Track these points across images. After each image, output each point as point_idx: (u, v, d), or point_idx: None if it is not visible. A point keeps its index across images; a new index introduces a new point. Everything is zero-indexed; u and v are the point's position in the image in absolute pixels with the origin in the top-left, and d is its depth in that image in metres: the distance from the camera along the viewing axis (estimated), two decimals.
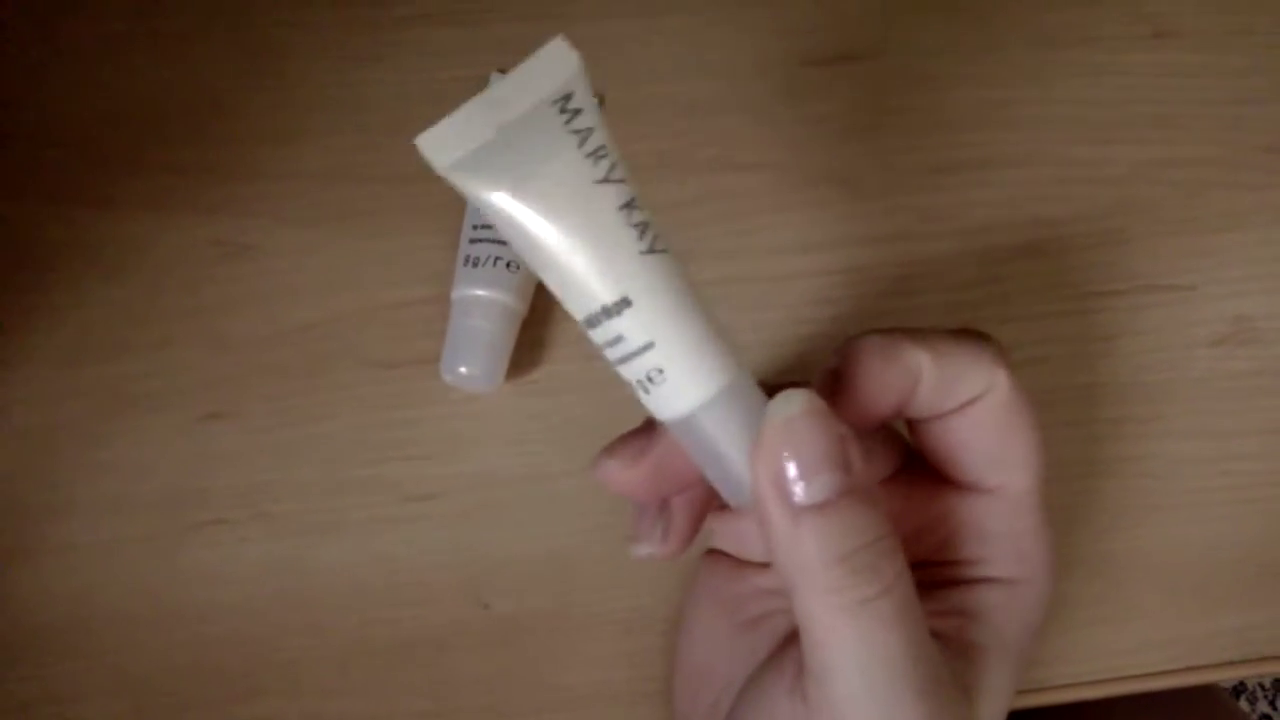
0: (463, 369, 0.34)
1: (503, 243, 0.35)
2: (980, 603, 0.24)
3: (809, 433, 0.21)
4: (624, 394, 0.36)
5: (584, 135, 0.21)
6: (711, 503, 0.26)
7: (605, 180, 0.21)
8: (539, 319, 0.37)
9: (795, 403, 0.22)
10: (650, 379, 0.22)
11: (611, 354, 0.22)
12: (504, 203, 0.21)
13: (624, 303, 0.21)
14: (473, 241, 0.36)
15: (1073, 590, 0.36)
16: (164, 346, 0.37)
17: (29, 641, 0.34)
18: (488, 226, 0.36)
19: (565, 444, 0.37)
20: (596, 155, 0.21)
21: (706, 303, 0.23)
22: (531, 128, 0.21)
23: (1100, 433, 0.38)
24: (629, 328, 0.21)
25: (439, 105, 0.38)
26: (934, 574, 0.25)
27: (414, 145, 0.21)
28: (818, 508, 0.21)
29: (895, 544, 0.22)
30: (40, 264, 0.37)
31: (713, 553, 0.30)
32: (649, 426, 0.25)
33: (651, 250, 0.22)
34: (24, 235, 0.37)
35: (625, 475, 0.25)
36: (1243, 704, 1.13)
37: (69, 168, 0.38)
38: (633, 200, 0.22)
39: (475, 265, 0.35)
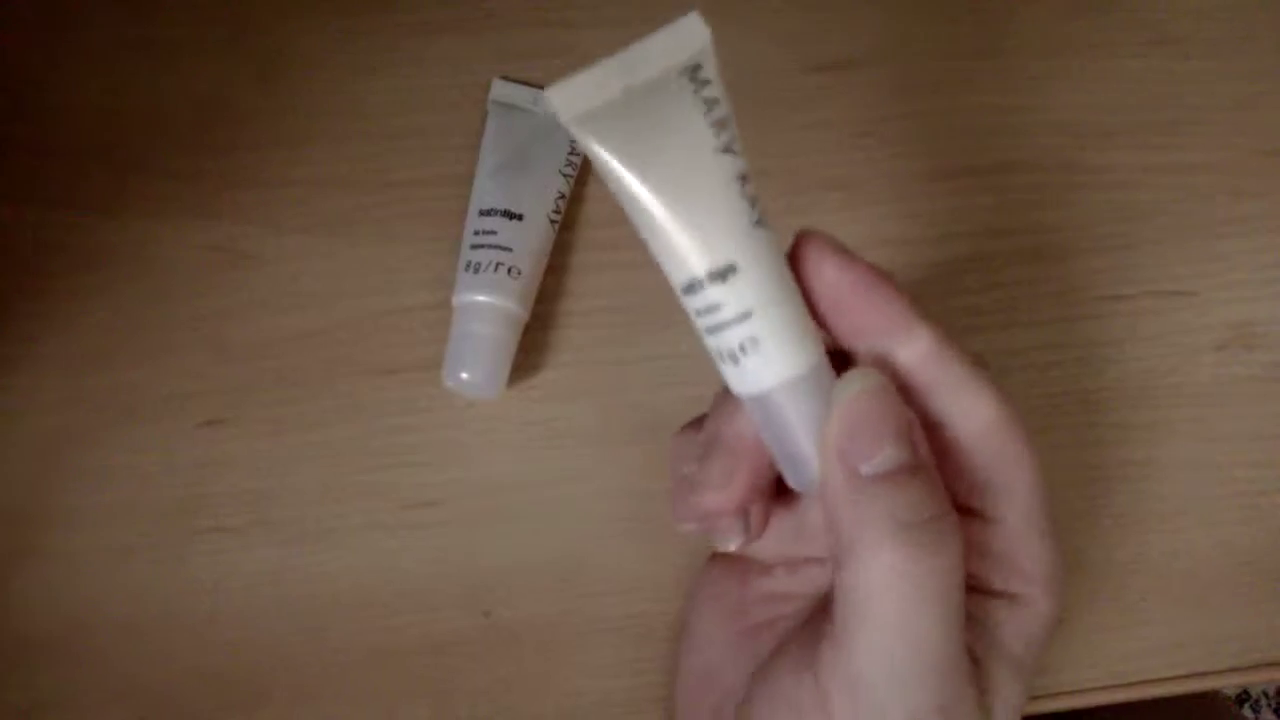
0: (464, 375, 0.34)
1: (505, 248, 0.35)
2: (985, 617, 0.24)
3: (879, 408, 0.22)
4: (626, 400, 0.37)
5: (710, 104, 0.22)
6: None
7: (726, 150, 0.22)
8: (541, 324, 0.37)
9: (868, 379, 0.22)
10: (742, 349, 0.22)
11: (704, 322, 0.22)
12: (623, 162, 0.21)
13: (730, 269, 0.22)
14: (474, 247, 0.36)
15: (1078, 595, 0.36)
16: (164, 353, 0.36)
17: (31, 649, 0.34)
18: (490, 232, 0.36)
19: (567, 450, 0.36)
20: (720, 126, 0.22)
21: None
22: (660, 93, 0.21)
23: (1105, 438, 0.37)
24: (729, 296, 0.22)
25: (441, 112, 0.39)
26: None
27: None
28: (883, 476, 0.22)
29: (957, 525, 0.22)
30: (41, 271, 0.37)
31: (716, 558, 0.30)
32: (711, 443, 0.25)
33: (760, 224, 0.22)
34: (25, 242, 0.37)
35: (721, 497, 0.25)
36: (1246, 712, 1.12)
37: (70, 175, 0.38)
38: (747, 174, 0.22)
39: (477, 271, 0.35)
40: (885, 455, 0.22)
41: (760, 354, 0.22)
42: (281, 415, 0.36)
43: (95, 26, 0.39)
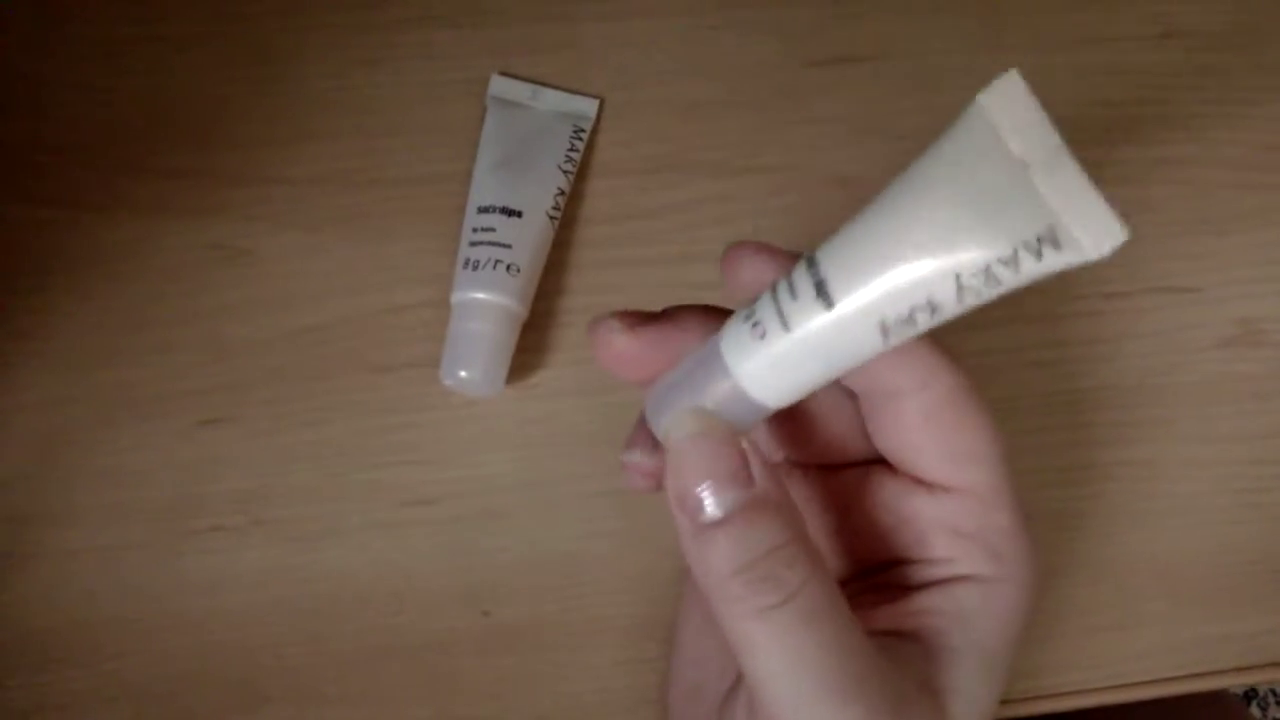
0: (463, 373, 0.34)
1: (504, 245, 0.35)
2: (955, 603, 0.24)
3: (706, 452, 0.22)
4: (625, 398, 0.36)
5: (1015, 258, 0.19)
6: None
7: (968, 288, 0.19)
8: (539, 323, 0.37)
9: (690, 423, 0.22)
10: (763, 334, 0.21)
11: (781, 291, 0.21)
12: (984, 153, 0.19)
13: (828, 299, 0.20)
14: (473, 244, 0.35)
15: (1080, 596, 0.36)
16: (163, 351, 0.36)
17: (29, 648, 0.34)
18: (488, 229, 0.36)
19: (566, 449, 0.36)
20: (991, 276, 0.19)
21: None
22: (1022, 195, 0.18)
23: (1107, 436, 0.37)
24: (806, 307, 0.20)
25: (439, 108, 0.39)
26: (906, 574, 0.25)
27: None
28: (718, 523, 0.22)
29: (800, 550, 0.22)
30: (40, 268, 0.37)
31: None
32: (667, 313, 0.25)
33: (892, 339, 0.20)
34: (24, 239, 0.37)
35: (621, 341, 0.24)
36: (1253, 710, 1.12)
37: (68, 172, 0.38)
38: (941, 313, 0.20)
39: (475, 268, 0.35)
40: (720, 499, 0.22)
41: (774, 367, 0.21)
42: (279, 413, 0.36)
43: (92, 24, 0.39)
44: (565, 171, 0.37)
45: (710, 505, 0.22)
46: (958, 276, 0.19)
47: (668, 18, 0.40)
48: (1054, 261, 0.18)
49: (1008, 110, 0.18)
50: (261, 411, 0.36)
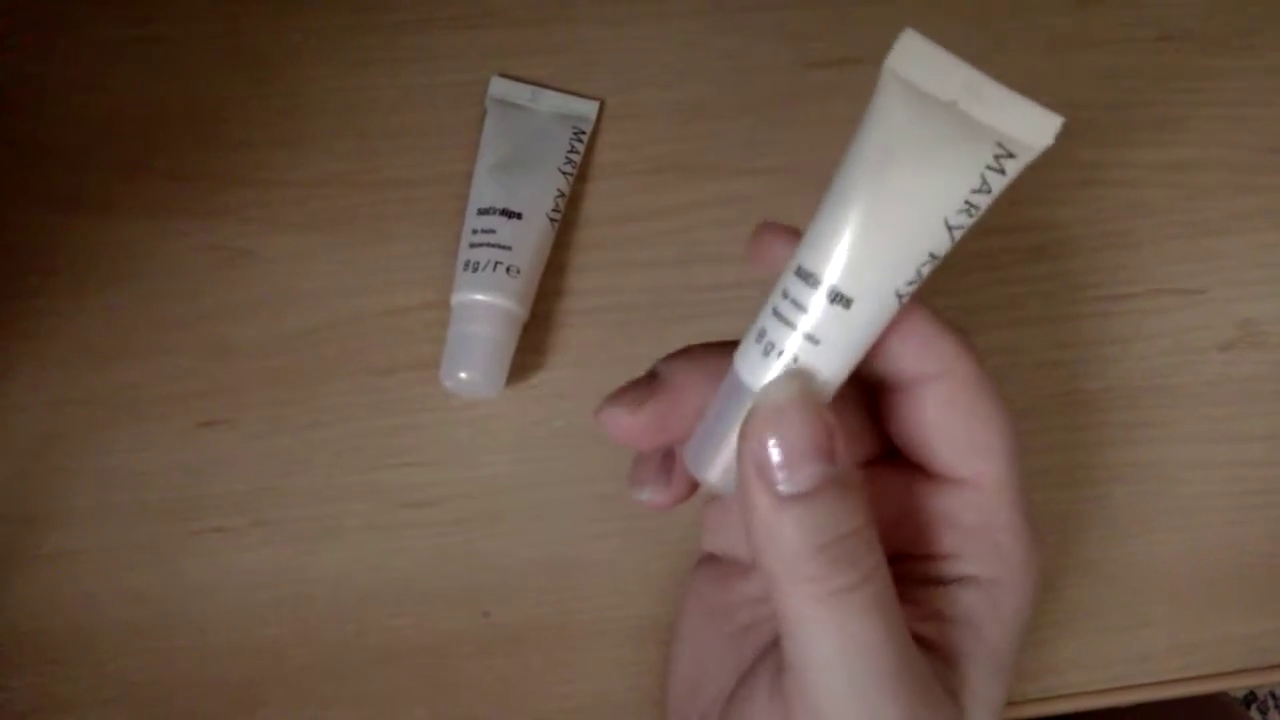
0: (463, 374, 0.34)
1: (504, 247, 0.35)
2: (960, 605, 0.24)
3: (797, 421, 0.21)
4: None
5: (983, 192, 0.21)
6: None
7: (951, 229, 0.21)
8: (540, 324, 0.37)
9: (785, 390, 0.22)
10: (780, 352, 0.22)
11: (780, 305, 0.22)
12: (883, 138, 0.21)
13: (846, 299, 0.21)
14: (473, 246, 0.35)
15: (1083, 596, 0.36)
16: (162, 353, 0.36)
17: (28, 650, 0.34)
18: (488, 231, 0.36)
19: (567, 450, 0.36)
20: (967, 211, 0.21)
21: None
22: (964, 135, 0.20)
23: (1110, 438, 0.37)
24: (821, 314, 0.21)
25: (439, 110, 0.39)
26: (911, 569, 0.25)
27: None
28: (800, 497, 0.21)
29: (874, 535, 0.22)
30: (39, 271, 0.37)
31: (703, 562, 0.30)
32: (651, 377, 0.25)
33: (906, 298, 0.22)
34: (23, 242, 0.37)
35: (627, 421, 0.25)
36: (1253, 714, 1.12)
37: (67, 174, 0.38)
38: (939, 257, 0.21)
39: (475, 270, 0.35)
40: (805, 472, 0.21)
41: (785, 374, 0.22)
42: (279, 415, 0.36)
43: (93, 25, 0.39)
44: (565, 173, 0.37)
45: (795, 477, 0.21)
46: (945, 221, 0.21)
47: (668, 20, 0.40)
48: (1015, 168, 0.21)
49: (916, 65, 0.21)
50: (261, 413, 0.36)
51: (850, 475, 0.22)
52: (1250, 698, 1.12)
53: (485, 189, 0.37)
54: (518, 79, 0.39)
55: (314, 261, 0.37)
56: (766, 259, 0.24)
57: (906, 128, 0.21)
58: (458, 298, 0.35)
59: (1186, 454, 0.37)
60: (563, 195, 0.37)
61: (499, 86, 0.39)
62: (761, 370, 0.22)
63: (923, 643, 0.24)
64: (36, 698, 0.34)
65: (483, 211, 0.36)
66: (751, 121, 0.39)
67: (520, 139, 0.38)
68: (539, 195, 0.37)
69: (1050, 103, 0.19)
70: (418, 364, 0.36)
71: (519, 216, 0.36)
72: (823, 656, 0.21)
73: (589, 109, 0.39)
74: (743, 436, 0.22)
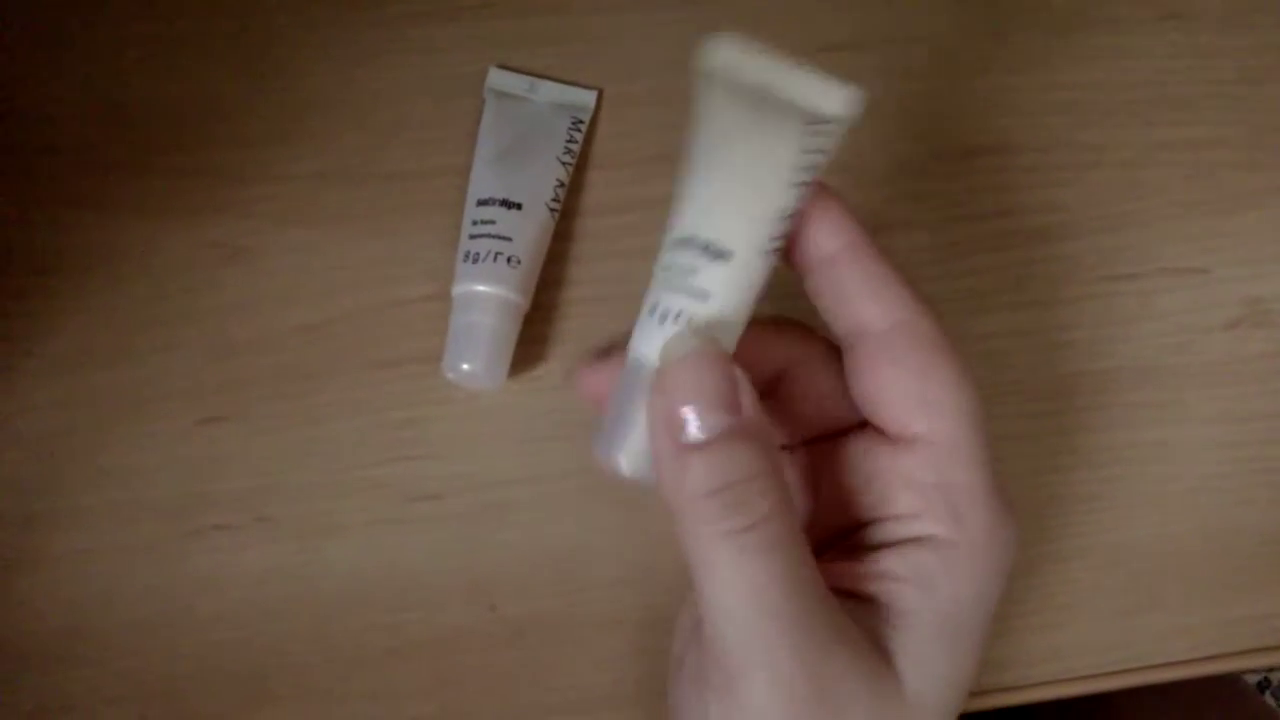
0: (465, 366, 0.34)
1: (504, 238, 0.35)
2: (909, 562, 0.23)
3: (699, 372, 0.22)
4: None
5: (808, 147, 0.23)
6: None
7: (792, 186, 0.23)
8: (542, 314, 0.37)
9: (685, 343, 0.23)
10: (676, 317, 0.23)
11: (668, 273, 0.24)
12: (723, 116, 0.23)
13: (727, 254, 0.23)
14: (473, 237, 0.35)
15: (1093, 579, 0.36)
16: (165, 350, 0.36)
17: (34, 649, 0.34)
18: (488, 222, 0.35)
19: (571, 441, 0.36)
20: (804, 168, 0.23)
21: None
22: (777, 116, 0.23)
23: (1117, 419, 0.37)
24: (704, 270, 0.23)
25: (438, 103, 0.38)
26: (873, 533, 0.25)
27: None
28: (702, 445, 0.22)
29: (774, 483, 0.22)
30: (41, 269, 0.37)
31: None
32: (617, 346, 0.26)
33: (770, 253, 0.23)
34: (24, 240, 0.37)
35: (590, 376, 0.26)
36: (1268, 699, 1.11)
37: (69, 172, 0.38)
38: (793, 214, 0.23)
39: (475, 261, 0.35)
40: (709, 421, 0.22)
41: (679, 333, 0.23)
42: (282, 411, 0.36)
43: (92, 23, 0.39)
44: (564, 163, 0.37)
45: (695, 427, 0.22)
46: (786, 180, 0.23)
47: (665, 8, 0.40)
48: (834, 129, 0.23)
49: (731, 60, 0.23)
50: (264, 409, 0.36)
51: (754, 424, 0.23)
52: (1264, 684, 1.12)
53: (484, 180, 0.36)
54: (516, 69, 0.39)
55: (315, 256, 0.37)
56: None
57: (735, 116, 0.23)
58: (458, 289, 0.35)
59: (1194, 434, 0.37)
60: (562, 185, 0.37)
61: (497, 77, 0.39)
62: (659, 339, 0.23)
63: (864, 599, 0.24)
64: (44, 696, 0.34)
65: (482, 202, 0.36)
66: None
67: (519, 129, 0.37)
68: (538, 185, 0.36)
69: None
70: (420, 357, 0.36)
71: (519, 207, 0.36)
72: (718, 598, 0.22)
73: (587, 98, 0.39)
74: (654, 391, 0.23)
